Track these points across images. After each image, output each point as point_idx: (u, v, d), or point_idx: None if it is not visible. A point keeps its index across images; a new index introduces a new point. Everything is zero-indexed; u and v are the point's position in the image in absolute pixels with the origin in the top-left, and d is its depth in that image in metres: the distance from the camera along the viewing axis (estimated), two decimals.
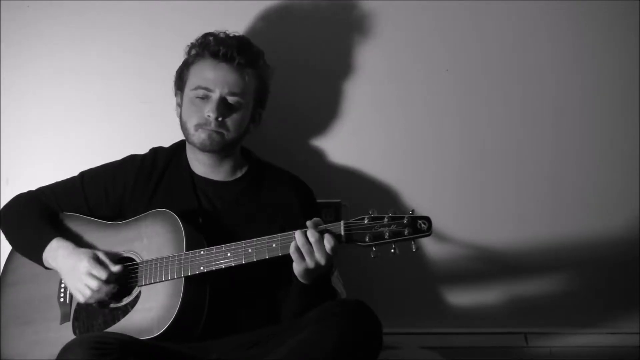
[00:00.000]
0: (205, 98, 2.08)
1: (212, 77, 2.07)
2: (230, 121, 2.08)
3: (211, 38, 2.11)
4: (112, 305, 1.98)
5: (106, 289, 1.95)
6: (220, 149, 2.09)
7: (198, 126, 2.08)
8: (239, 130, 2.11)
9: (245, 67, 2.09)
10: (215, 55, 2.08)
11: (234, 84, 2.08)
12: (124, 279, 1.99)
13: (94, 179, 2.15)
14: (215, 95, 2.07)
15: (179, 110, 2.15)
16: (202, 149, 2.09)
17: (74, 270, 1.96)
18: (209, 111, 2.06)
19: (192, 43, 2.14)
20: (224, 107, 2.07)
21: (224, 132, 2.08)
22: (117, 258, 2.01)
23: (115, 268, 1.96)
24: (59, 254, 1.99)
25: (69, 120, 2.45)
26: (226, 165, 2.16)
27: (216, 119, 2.06)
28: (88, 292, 1.95)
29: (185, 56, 2.15)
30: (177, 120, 2.14)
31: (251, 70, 2.11)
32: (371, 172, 2.52)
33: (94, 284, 1.94)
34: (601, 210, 2.57)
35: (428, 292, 2.61)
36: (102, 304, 1.98)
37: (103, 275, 1.94)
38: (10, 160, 2.44)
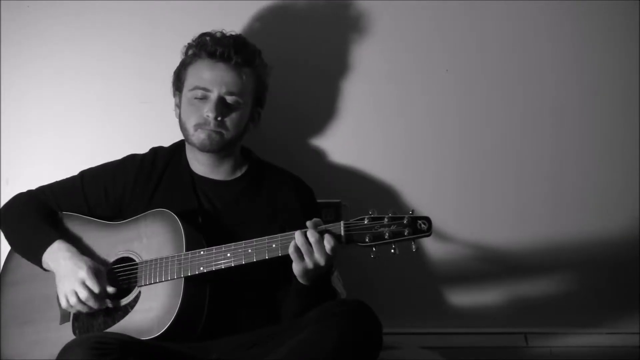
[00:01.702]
0: (203, 98, 2.08)
1: (210, 77, 2.07)
2: (229, 121, 2.08)
3: (207, 38, 2.11)
4: (111, 306, 1.97)
5: (92, 303, 1.94)
6: (219, 148, 2.09)
7: (197, 126, 2.07)
8: (238, 130, 2.11)
9: (242, 66, 2.09)
10: (212, 55, 2.08)
11: (232, 83, 2.08)
12: (124, 279, 1.99)
13: (94, 179, 2.15)
14: (213, 95, 2.07)
15: (178, 111, 2.15)
16: (202, 149, 2.09)
17: (70, 275, 1.95)
18: (208, 111, 2.06)
19: (188, 43, 2.14)
20: (222, 107, 2.07)
21: (223, 131, 2.08)
22: (114, 277, 2.00)
23: (110, 289, 1.96)
24: (59, 256, 1.99)
25: (69, 120, 2.45)
26: (226, 164, 2.16)
27: (215, 118, 2.06)
28: (74, 300, 1.94)
29: (183, 57, 2.15)
30: (177, 120, 2.14)
31: (248, 69, 2.11)
32: (371, 172, 2.52)
33: (84, 294, 1.93)
34: (601, 210, 2.57)
35: (428, 292, 2.61)
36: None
37: (96, 288, 1.93)
38: (10, 160, 2.44)
